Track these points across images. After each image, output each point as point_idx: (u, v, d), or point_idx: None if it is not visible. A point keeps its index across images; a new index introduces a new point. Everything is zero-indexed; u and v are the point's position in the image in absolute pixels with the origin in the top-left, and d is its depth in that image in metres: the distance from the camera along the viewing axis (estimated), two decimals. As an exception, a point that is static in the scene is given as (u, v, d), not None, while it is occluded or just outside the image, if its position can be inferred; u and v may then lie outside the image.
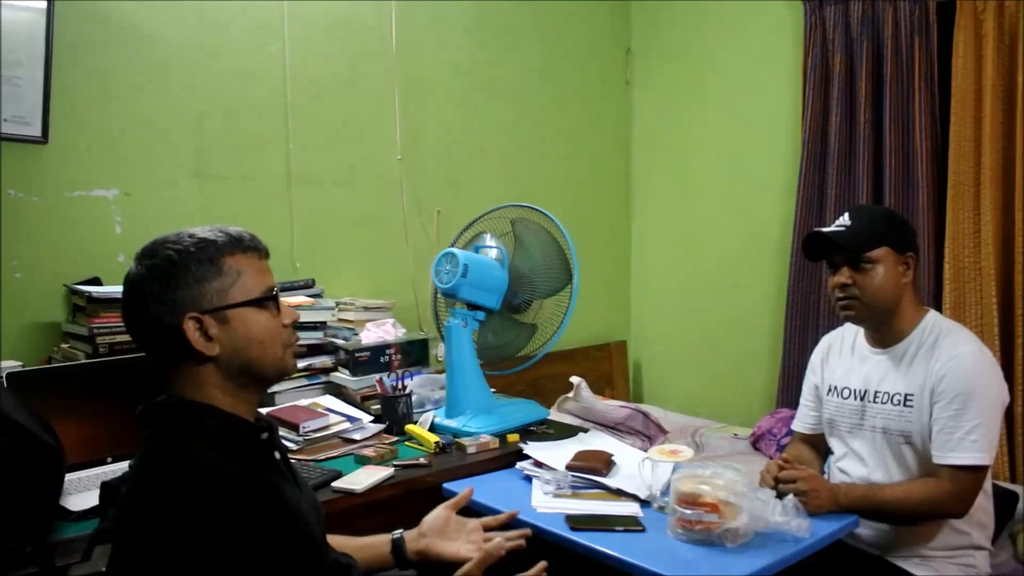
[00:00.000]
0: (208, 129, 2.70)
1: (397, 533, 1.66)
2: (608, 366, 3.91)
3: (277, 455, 1.35)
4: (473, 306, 2.37)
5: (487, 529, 1.74)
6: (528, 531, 1.72)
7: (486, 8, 3.45)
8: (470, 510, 1.94)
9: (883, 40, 3.06)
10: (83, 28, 2.43)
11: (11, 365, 2.13)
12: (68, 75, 2.40)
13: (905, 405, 1.96)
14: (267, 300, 1.32)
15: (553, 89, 3.72)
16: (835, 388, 2.13)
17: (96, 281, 2.39)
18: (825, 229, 2.01)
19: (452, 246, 2.50)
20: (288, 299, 2.57)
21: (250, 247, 1.32)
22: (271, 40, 2.82)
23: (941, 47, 2.97)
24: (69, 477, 1.87)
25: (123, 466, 1.99)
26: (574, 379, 3.08)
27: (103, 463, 2.02)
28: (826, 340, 2.24)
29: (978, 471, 1.85)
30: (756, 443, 3.14)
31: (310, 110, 2.93)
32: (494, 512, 1.87)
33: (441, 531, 1.69)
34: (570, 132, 3.81)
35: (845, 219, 2.00)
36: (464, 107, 3.41)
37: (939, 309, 2.90)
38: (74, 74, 2.42)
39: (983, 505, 1.97)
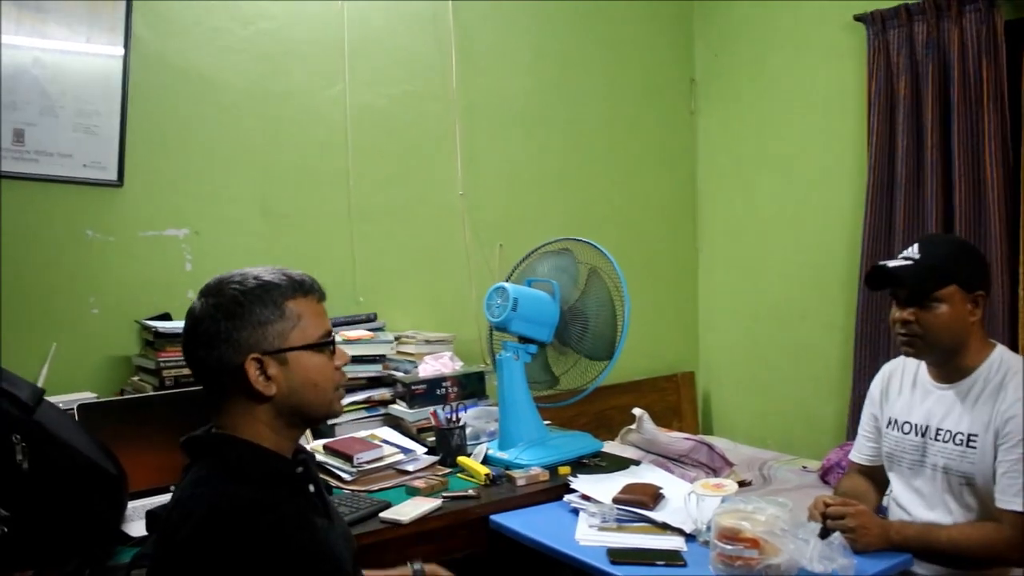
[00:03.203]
0: (273, 169, 2.81)
1: (417, 565, 1.67)
2: (676, 397, 3.86)
3: (312, 488, 1.39)
4: (525, 339, 2.40)
5: None
6: None
7: (547, 42, 3.50)
8: (515, 543, 1.97)
9: (949, 62, 2.97)
10: (156, 76, 2.58)
11: (85, 397, 2.25)
12: (141, 121, 2.54)
13: (968, 446, 1.89)
14: (325, 345, 1.37)
15: (617, 120, 3.73)
16: (895, 422, 2.06)
17: (166, 317, 2.50)
18: (891, 263, 1.93)
19: (508, 280, 2.54)
20: (348, 332, 2.65)
21: (310, 291, 1.38)
22: (333, 82, 2.92)
23: (1012, 67, 2.87)
24: (133, 504, 1.95)
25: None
26: (636, 411, 3.06)
27: (167, 491, 2.10)
28: (887, 369, 2.17)
29: None
30: (825, 476, 3.06)
31: (373, 148, 3.02)
32: (539, 545, 1.91)
33: None
34: (635, 163, 3.81)
35: (914, 251, 1.92)
36: (526, 141, 3.45)
37: (1015, 340, 2.80)
38: (147, 120, 2.56)
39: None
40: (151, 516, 1.67)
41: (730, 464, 3.05)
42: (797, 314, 3.62)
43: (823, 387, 3.52)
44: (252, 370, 1.29)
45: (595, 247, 2.47)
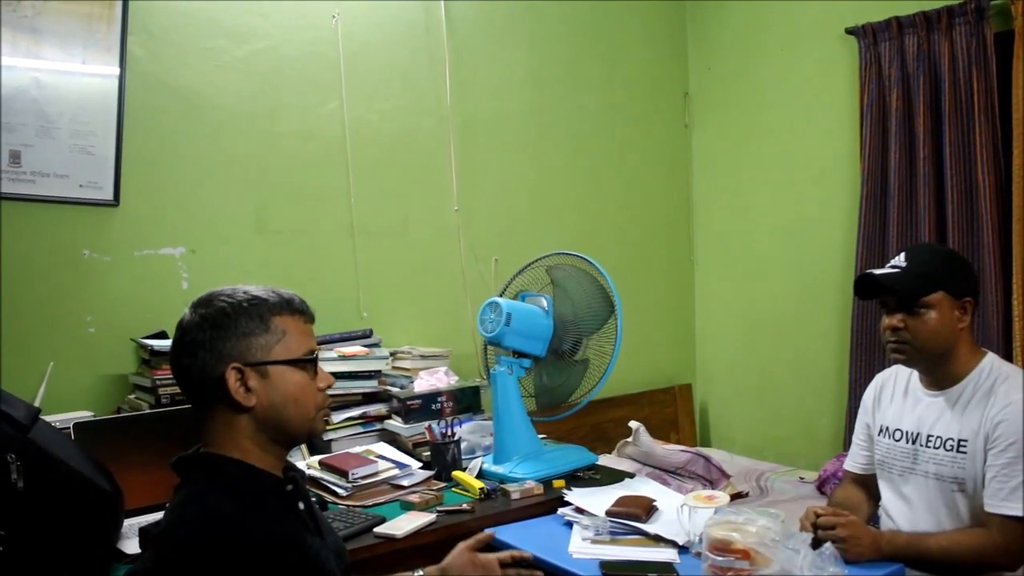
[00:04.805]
0: (268, 187, 2.83)
1: (418, 572, 1.68)
2: (673, 409, 3.87)
3: (301, 505, 1.40)
4: (519, 354, 2.41)
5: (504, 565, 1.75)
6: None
7: (542, 57, 3.52)
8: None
9: (940, 73, 3.00)
10: (151, 96, 2.60)
11: (82, 415, 2.26)
12: (137, 141, 2.56)
13: (959, 451, 1.89)
14: (306, 362, 1.39)
15: (611, 134, 3.75)
16: (886, 429, 2.07)
17: (163, 335, 2.51)
18: (878, 271, 1.96)
19: (501, 295, 2.55)
20: (344, 348, 2.66)
21: (298, 310, 1.40)
22: (328, 99, 2.95)
23: (1002, 78, 2.89)
24: (130, 521, 1.96)
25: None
26: (632, 424, 3.07)
27: (163, 508, 2.09)
28: (879, 378, 2.18)
29: None
30: (822, 486, 3.06)
31: (368, 164, 3.04)
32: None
33: (462, 569, 1.70)
34: (630, 177, 3.83)
35: (900, 260, 1.94)
36: (521, 155, 3.47)
37: (1010, 349, 2.80)
38: (143, 139, 2.58)
39: (1041, 561, 1.88)
40: (143, 533, 1.68)
41: (727, 476, 3.06)
42: (793, 325, 3.63)
43: (820, 397, 3.53)
44: (232, 379, 1.30)
45: (588, 261, 2.48)
